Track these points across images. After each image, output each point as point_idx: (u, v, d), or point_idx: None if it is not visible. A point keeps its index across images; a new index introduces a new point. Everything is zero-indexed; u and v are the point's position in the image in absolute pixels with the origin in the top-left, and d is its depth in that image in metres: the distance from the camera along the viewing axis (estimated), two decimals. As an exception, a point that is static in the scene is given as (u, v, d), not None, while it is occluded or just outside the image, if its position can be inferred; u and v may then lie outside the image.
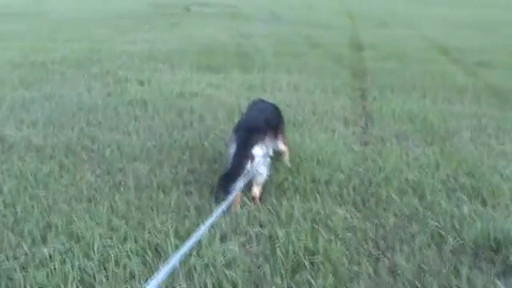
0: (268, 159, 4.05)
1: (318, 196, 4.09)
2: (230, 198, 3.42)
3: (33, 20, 16.80)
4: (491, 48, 12.95)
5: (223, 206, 3.14)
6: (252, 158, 3.82)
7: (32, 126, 5.67)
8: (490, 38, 15.34)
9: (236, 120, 4.94)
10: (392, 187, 4.28)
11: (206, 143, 5.19)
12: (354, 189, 4.26)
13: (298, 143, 5.22)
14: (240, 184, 3.71)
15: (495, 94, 7.97)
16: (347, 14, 23.32)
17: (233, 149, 3.91)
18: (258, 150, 3.88)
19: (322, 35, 14.59)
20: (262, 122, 4.19)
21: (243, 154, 3.81)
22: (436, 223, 3.72)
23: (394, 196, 4.13)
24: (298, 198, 4.05)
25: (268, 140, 4.08)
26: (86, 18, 18.10)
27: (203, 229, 2.73)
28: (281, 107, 6.63)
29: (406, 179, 4.46)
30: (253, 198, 3.98)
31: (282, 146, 4.62)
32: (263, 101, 4.97)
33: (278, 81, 8.19)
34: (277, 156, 4.52)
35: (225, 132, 5.48)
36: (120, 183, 4.22)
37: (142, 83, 7.75)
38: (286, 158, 4.72)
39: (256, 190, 4.00)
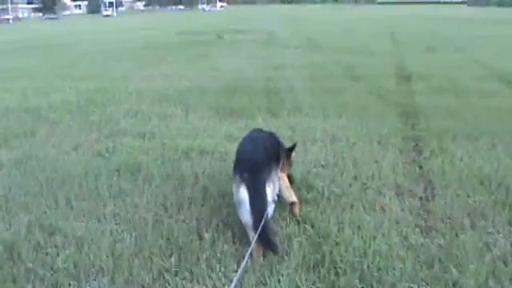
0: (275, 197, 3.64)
1: None
2: None
3: (54, 54, 16.00)
4: None
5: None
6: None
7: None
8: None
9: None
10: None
11: (205, 237, 3.69)
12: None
13: (333, 235, 3.71)
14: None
15: None
16: (390, 38, 21.94)
17: (243, 194, 3.40)
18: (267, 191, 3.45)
19: (364, 64, 13.23)
20: (261, 155, 3.71)
21: (262, 199, 3.39)
22: None
23: None
24: None
25: (274, 175, 3.63)
26: (112, 49, 17.21)
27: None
28: (314, 169, 5.24)
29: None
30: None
31: (286, 193, 3.97)
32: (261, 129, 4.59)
33: (311, 128, 6.73)
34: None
35: (232, 215, 4.04)
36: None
37: (143, 136, 6.38)
38: (297, 211, 4.05)
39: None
